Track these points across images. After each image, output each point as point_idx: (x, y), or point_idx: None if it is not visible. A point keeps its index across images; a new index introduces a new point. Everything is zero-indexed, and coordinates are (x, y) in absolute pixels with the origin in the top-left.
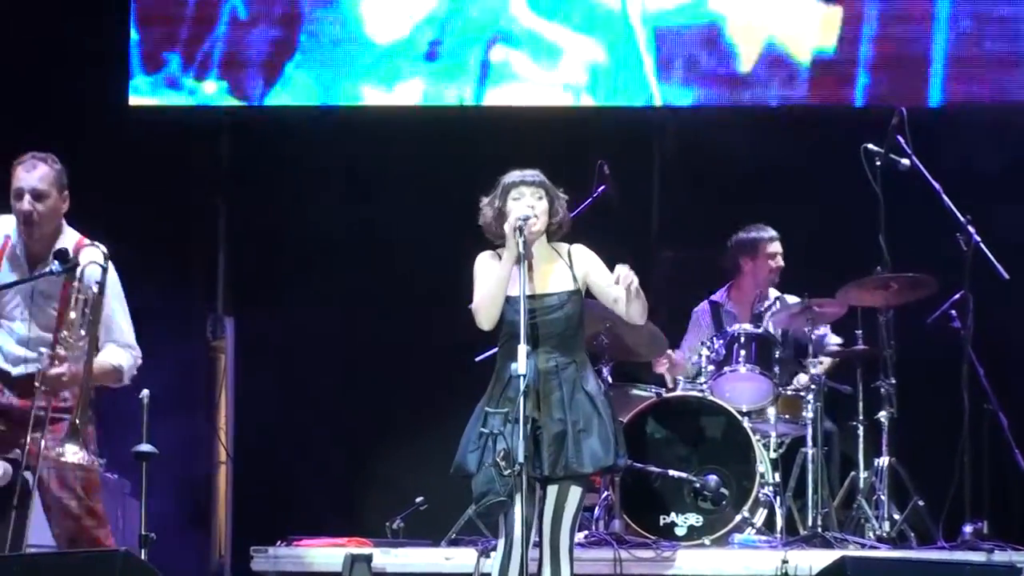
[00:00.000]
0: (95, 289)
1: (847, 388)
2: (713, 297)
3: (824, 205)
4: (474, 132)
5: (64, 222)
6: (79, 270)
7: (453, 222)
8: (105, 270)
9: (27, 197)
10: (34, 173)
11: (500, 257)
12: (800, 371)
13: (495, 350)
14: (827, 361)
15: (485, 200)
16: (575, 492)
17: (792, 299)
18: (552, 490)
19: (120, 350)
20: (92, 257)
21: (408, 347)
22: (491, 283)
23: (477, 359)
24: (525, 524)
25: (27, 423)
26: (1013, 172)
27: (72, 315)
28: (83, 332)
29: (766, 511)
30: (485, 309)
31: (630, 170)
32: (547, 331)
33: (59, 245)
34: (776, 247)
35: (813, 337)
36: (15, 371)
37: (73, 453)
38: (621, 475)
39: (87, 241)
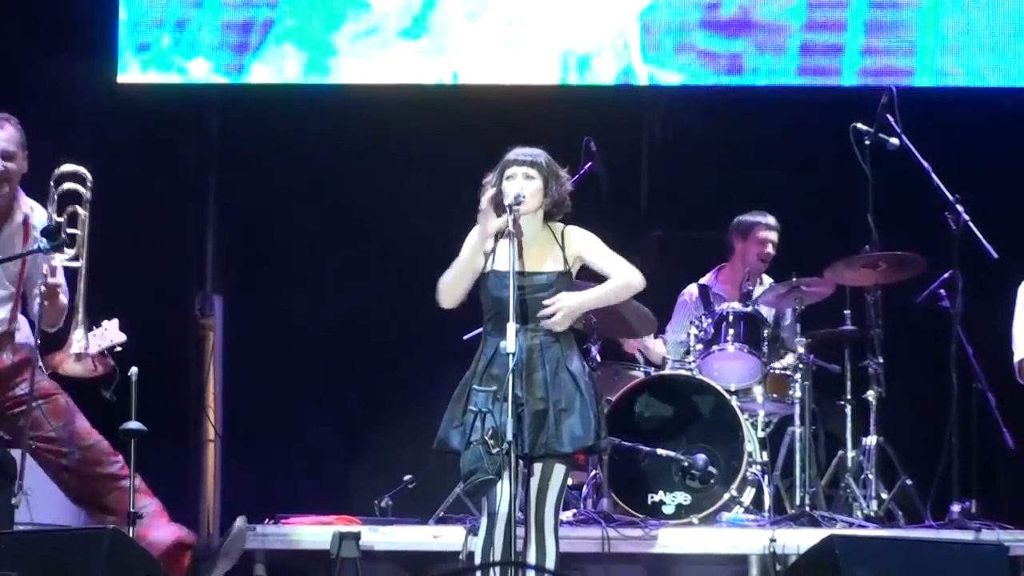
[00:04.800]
0: (83, 209)
1: (835, 367)
2: (702, 280)
3: (813, 184)
4: (462, 110)
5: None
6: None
7: (442, 201)
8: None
9: None
10: (1, 134)
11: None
12: (786, 351)
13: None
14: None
15: (488, 177)
16: (559, 470)
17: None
18: (536, 468)
19: None
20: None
21: (396, 325)
22: (456, 267)
23: (465, 337)
24: (512, 502)
25: (6, 378)
26: (1000, 153)
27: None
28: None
29: (754, 490)
30: (446, 290)
31: (618, 149)
32: (534, 309)
33: (18, 205)
34: (769, 235)
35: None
36: None
37: (78, 341)
38: (608, 454)
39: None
